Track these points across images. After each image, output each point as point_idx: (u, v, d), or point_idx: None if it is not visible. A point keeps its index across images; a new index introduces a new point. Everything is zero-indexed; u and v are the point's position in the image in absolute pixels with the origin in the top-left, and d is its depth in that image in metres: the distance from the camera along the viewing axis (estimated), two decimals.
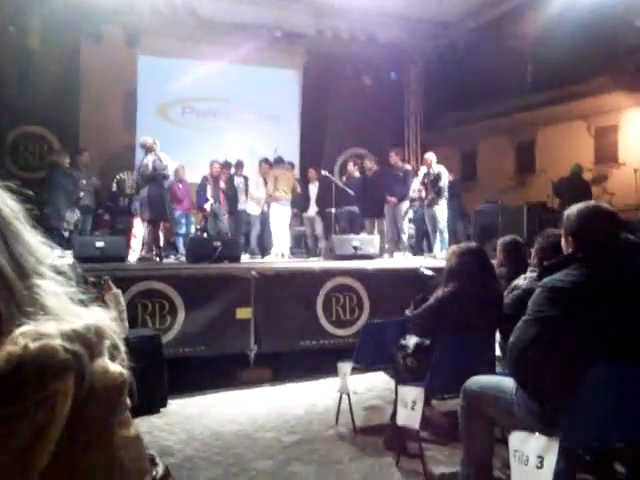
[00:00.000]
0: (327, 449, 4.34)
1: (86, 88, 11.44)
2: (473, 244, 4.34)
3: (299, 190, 10.48)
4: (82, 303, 0.75)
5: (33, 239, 0.74)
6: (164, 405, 5.29)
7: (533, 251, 4.14)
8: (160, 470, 0.87)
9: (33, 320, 0.67)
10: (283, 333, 6.64)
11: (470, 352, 3.91)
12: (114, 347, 0.74)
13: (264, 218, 10.44)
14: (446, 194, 9.61)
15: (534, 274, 3.91)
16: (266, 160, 10.79)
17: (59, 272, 0.76)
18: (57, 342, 0.64)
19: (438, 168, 9.75)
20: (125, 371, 0.74)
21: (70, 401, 0.64)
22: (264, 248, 10.50)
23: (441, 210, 9.56)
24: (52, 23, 10.32)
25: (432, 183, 9.59)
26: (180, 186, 10.39)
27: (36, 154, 10.96)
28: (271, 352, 6.48)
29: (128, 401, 0.75)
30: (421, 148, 13.41)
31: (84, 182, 9.73)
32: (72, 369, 0.65)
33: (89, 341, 0.68)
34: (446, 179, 9.66)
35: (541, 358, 2.74)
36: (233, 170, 10.85)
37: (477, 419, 3.24)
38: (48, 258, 0.75)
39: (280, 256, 9.77)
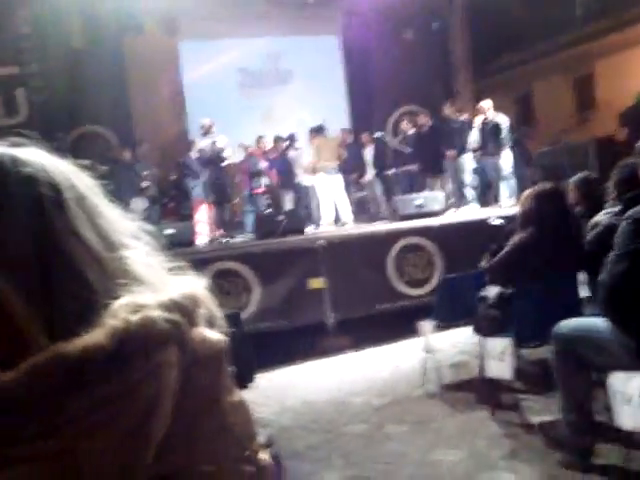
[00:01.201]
0: (419, 409, 4.35)
1: (134, 81, 11.60)
2: (549, 185, 4.18)
3: (345, 155, 10.29)
4: (171, 272, 0.74)
5: (113, 213, 0.74)
6: (252, 380, 5.41)
7: (610, 185, 3.97)
8: (262, 439, 0.86)
9: (128, 291, 0.66)
10: (357, 299, 6.66)
11: (554, 297, 3.81)
12: (211, 314, 0.73)
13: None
14: (509, 142, 9.33)
15: (614, 209, 3.76)
16: (314, 130, 10.67)
17: (146, 244, 0.75)
18: (157, 313, 0.63)
19: (497, 117, 9.45)
20: (223, 338, 0.72)
21: (176, 371, 0.64)
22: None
23: (505, 158, 9.29)
24: (93, 21, 10.48)
25: (492, 132, 9.31)
26: (247, 164, 10.35)
27: (96, 152, 11.22)
28: (348, 318, 6.52)
29: (229, 368, 0.74)
30: (474, 97, 13.01)
31: (146, 173, 9.94)
32: (174, 339, 0.64)
33: (187, 310, 0.67)
34: (507, 128, 9.36)
35: (633, 292, 2.64)
36: (287, 143, 10.81)
37: (572, 364, 3.17)
38: (131, 230, 0.75)
39: (333, 224, 9.72)
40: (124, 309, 0.62)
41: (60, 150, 0.74)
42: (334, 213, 9.94)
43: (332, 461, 3.70)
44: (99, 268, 0.67)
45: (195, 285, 0.71)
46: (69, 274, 0.65)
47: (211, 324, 0.72)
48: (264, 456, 0.77)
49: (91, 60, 10.60)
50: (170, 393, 0.62)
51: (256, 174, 10.17)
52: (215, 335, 0.71)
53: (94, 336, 0.60)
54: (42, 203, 0.67)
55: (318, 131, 10.19)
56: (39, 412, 0.56)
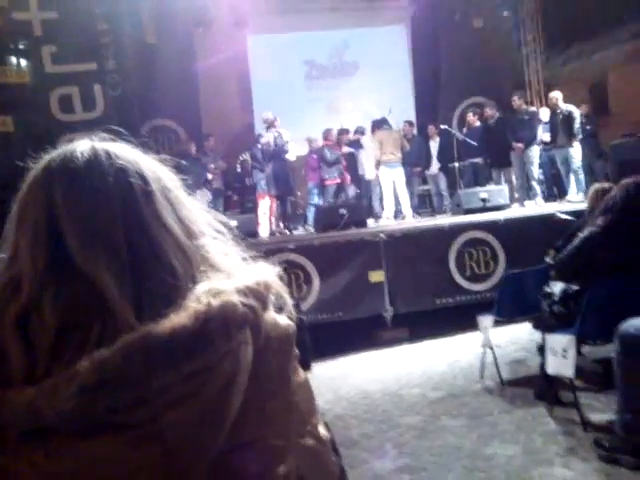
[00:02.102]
0: (475, 403, 4.30)
1: (203, 75, 11.85)
2: (632, 179, 3.92)
3: (408, 148, 10.13)
4: (246, 260, 0.80)
5: (193, 204, 0.81)
6: (308, 369, 5.48)
7: None
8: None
9: (206, 277, 0.72)
10: (417, 293, 6.62)
11: (628, 293, 3.61)
12: (281, 300, 0.78)
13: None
14: (580, 135, 9.04)
15: None
16: (376, 123, 10.56)
17: (220, 233, 0.81)
18: (235, 298, 0.69)
19: (568, 107, 9.15)
20: (292, 323, 0.78)
21: (251, 351, 0.69)
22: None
23: (575, 150, 8.99)
24: (165, 16, 10.75)
25: (563, 123, 9.02)
26: (314, 157, 10.35)
27: (165, 145, 11.52)
28: (407, 312, 6.50)
29: (296, 350, 0.79)
30: (544, 87, 12.60)
31: (212, 166, 10.15)
32: (249, 322, 0.69)
33: (261, 295, 0.72)
34: (579, 119, 9.05)
35: None
36: (352, 136, 10.78)
37: (634, 364, 3.07)
38: (209, 220, 0.81)
39: (392, 219, 9.63)
40: (206, 294, 0.69)
41: (142, 145, 0.82)
42: (394, 207, 9.87)
43: (386, 450, 3.72)
44: (182, 255, 0.73)
45: (267, 272, 0.77)
46: (156, 259, 0.71)
47: (281, 309, 0.78)
48: (323, 430, 0.83)
49: (163, 55, 10.84)
50: (246, 371, 0.68)
51: (332, 164, 10.11)
52: (285, 320, 0.77)
53: (180, 318, 0.66)
54: (133, 192, 0.74)
55: (380, 124, 10.12)
56: (132, 385, 0.63)
